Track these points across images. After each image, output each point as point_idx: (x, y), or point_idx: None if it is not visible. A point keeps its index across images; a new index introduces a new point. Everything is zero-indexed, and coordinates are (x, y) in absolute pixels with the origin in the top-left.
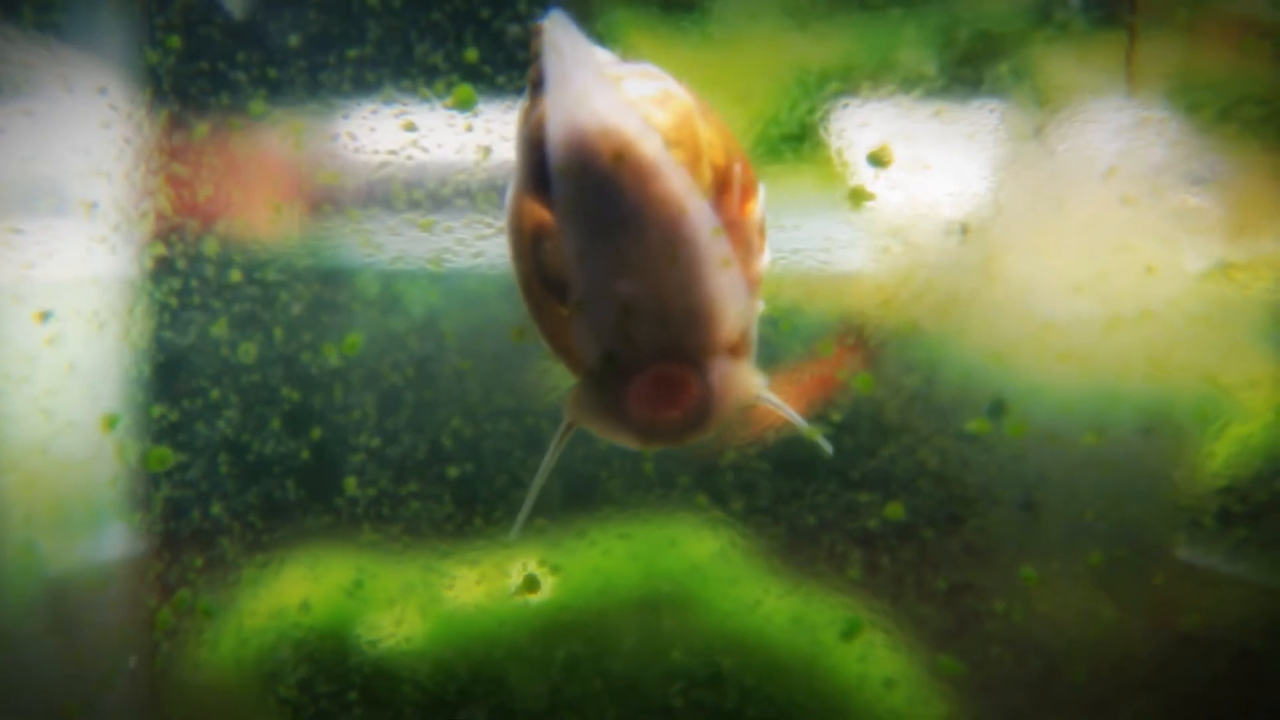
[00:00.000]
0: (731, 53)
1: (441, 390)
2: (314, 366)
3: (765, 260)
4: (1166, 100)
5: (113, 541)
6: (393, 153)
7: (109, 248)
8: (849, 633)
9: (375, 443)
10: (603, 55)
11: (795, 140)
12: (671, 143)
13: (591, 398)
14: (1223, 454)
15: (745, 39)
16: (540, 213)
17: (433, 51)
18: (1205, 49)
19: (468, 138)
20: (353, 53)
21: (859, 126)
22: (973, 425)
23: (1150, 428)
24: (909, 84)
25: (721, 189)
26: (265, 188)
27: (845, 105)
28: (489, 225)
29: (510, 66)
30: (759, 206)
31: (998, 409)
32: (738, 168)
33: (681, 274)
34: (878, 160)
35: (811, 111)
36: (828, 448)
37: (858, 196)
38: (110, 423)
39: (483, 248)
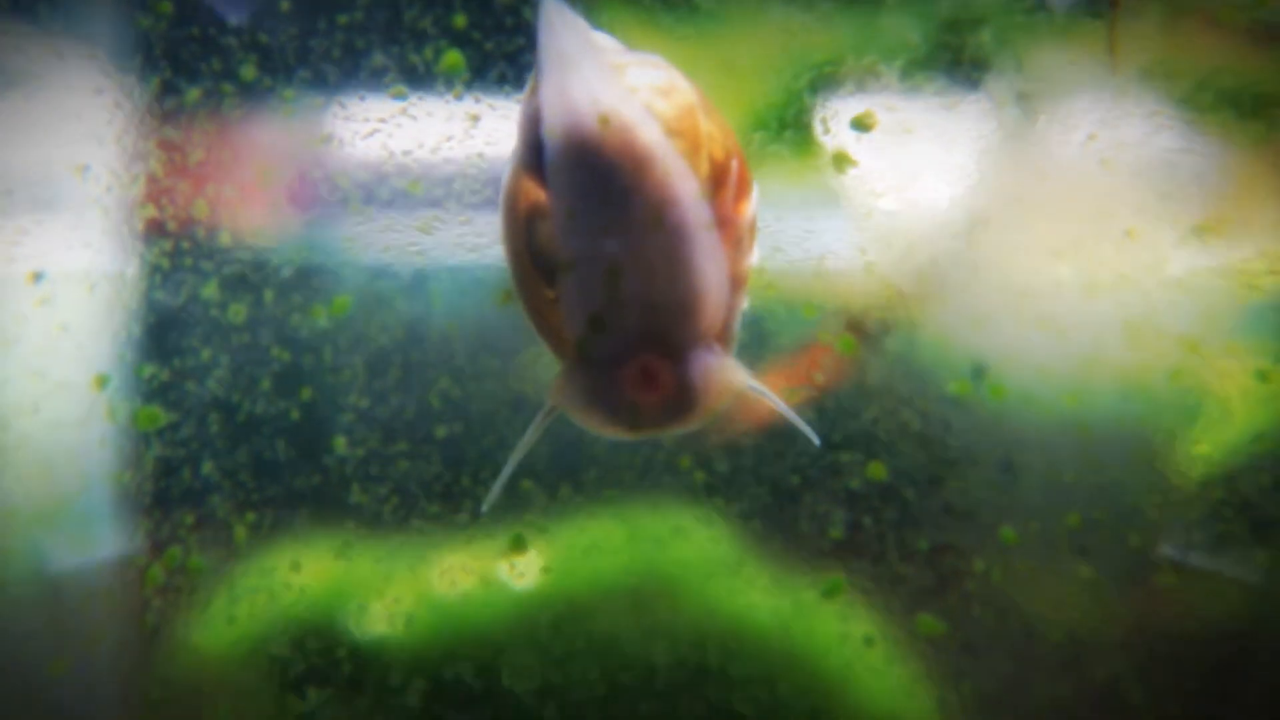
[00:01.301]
0: (723, 42)
1: (429, 351)
2: (303, 328)
3: (754, 259)
4: (1145, 75)
5: (103, 501)
6: (382, 120)
7: (101, 209)
8: (830, 592)
9: (364, 403)
10: (607, 42)
11: (784, 121)
12: (672, 132)
13: (575, 383)
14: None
15: (737, 28)
16: (536, 193)
17: (421, 17)
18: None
19: (457, 106)
20: (343, 19)
21: (845, 96)
22: (954, 387)
23: (1127, 393)
24: (892, 56)
25: (717, 184)
26: (255, 153)
27: (833, 84)
28: (476, 192)
29: (498, 32)
30: (752, 206)
31: (979, 372)
32: (734, 165)
33: (668, 260)
34: (861, 124)
35: (800, 95)
36: (815, 438)
37: (840, 161)
38: (101, 382)
39: (470, 214)
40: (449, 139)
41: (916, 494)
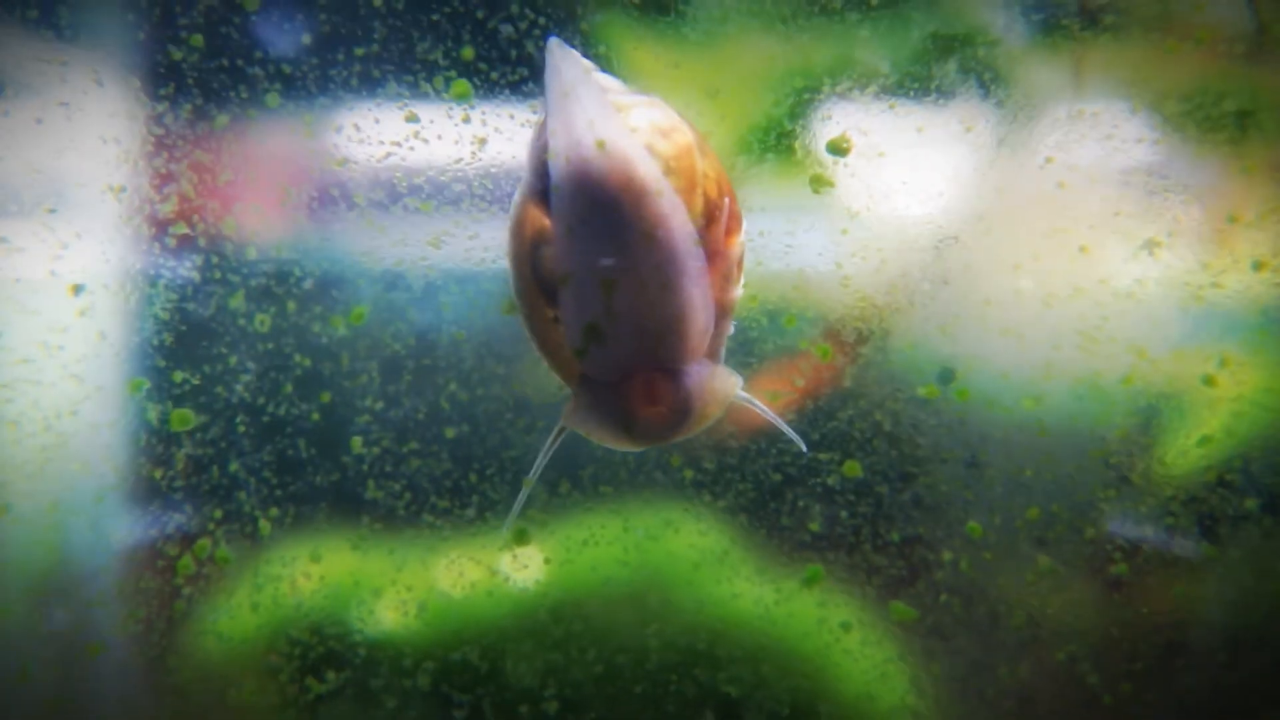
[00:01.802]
0: (708, 54)
1: (439, 358)
2: (323, 336)
3: (739, 291)
4: (1111, 92)
5: (137, 497)
6: (396, 143)
7: (135, 227)
8: (809, 580)
9: (379, 405)
10: (611, 83)
11: (766, 144)
12: (670, 170)
13: (584, 405)
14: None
15: (720, 41)
16: (541, 219)
17: (432, 50)
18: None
19: (465, 129)
20: (360, 50)
21: (822, 121)
22: (923, 390)
23: (1082, 396)
24: (865, 81)
25: (710, 219)
26: (278, 174)
27: (811, 103)
28: (483, 209)
29: (504, 63)
30: (741, 241)
31: (947, 376)
32: (727, 202)
33: (657, 280)
34: (837, 149)
35: (781, 120)
36: (801, 445)
37: (818, 182)
38: (136, 387)
39: (477, 229)
40: (458, 160)
41: (889, 490)
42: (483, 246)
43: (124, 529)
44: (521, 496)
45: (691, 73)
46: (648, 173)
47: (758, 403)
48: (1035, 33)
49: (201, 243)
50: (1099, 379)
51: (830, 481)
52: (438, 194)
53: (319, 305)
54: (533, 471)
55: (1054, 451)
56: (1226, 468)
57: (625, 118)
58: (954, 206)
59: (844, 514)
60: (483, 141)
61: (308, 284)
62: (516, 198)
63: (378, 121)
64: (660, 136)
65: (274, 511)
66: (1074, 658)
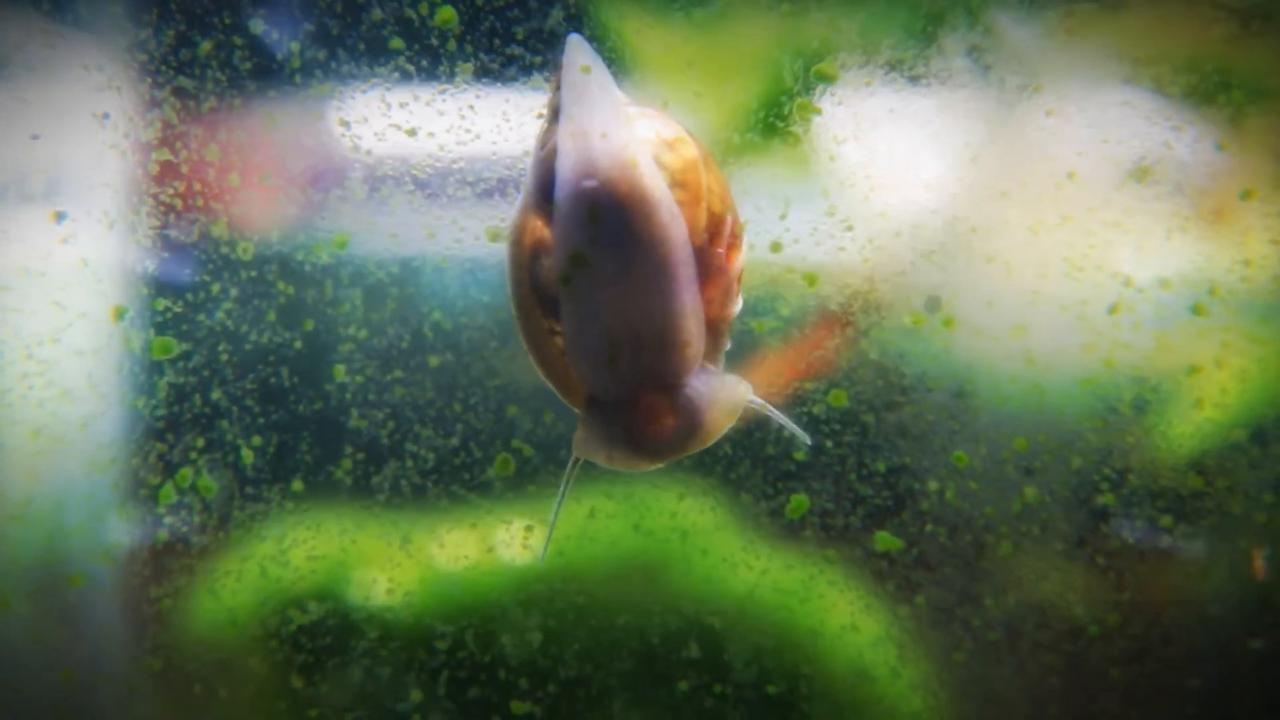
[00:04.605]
0: (715, 37)
1: (423, 285)
2: (306, 263)
3: (738, 307)
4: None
5: (118, 424)
6: (381, 65)
7: (119, 153)
8: (794, 510)
9: (363, 334)
10: (621, 95)
11: (765, 120)
12: (676, 183)
13: (594, 433)
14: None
15: (729, 23)
16: (542, 230)
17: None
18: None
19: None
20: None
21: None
22: (909, 319)
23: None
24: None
25: (714, 234)
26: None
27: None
28: (468, 131)
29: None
30: (741, 259)
31: (934, 304)
32: (730, 218)
33: (650, 290)
34: (823, 76)
35: (779, 98)
36: (807, 440)
37: (804, 109)
38: (119, 314)
39: (462, 153)
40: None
41: (875, 419)
42: (468, 172)
43: (106, 456)
44: (552, 525)
45: (691, 54)
46: (654, 185)
47: (770, 407)
48: None
49: (184, 170)
50: (1086, 308)
51: (816, 411)
52: (422, 119)
53: (302, 233)
54: (557, 503)
55: (1040, 381)
56: (1216, 401)
57: (633, 129)
58: (941, 135)
59: (829, 444)
60: (470, 68)
61: (291, 211)
62: (516, 208)
63: (364, 47)
64: (667, 149)
65: (256, 440)
66: (1060, 588)
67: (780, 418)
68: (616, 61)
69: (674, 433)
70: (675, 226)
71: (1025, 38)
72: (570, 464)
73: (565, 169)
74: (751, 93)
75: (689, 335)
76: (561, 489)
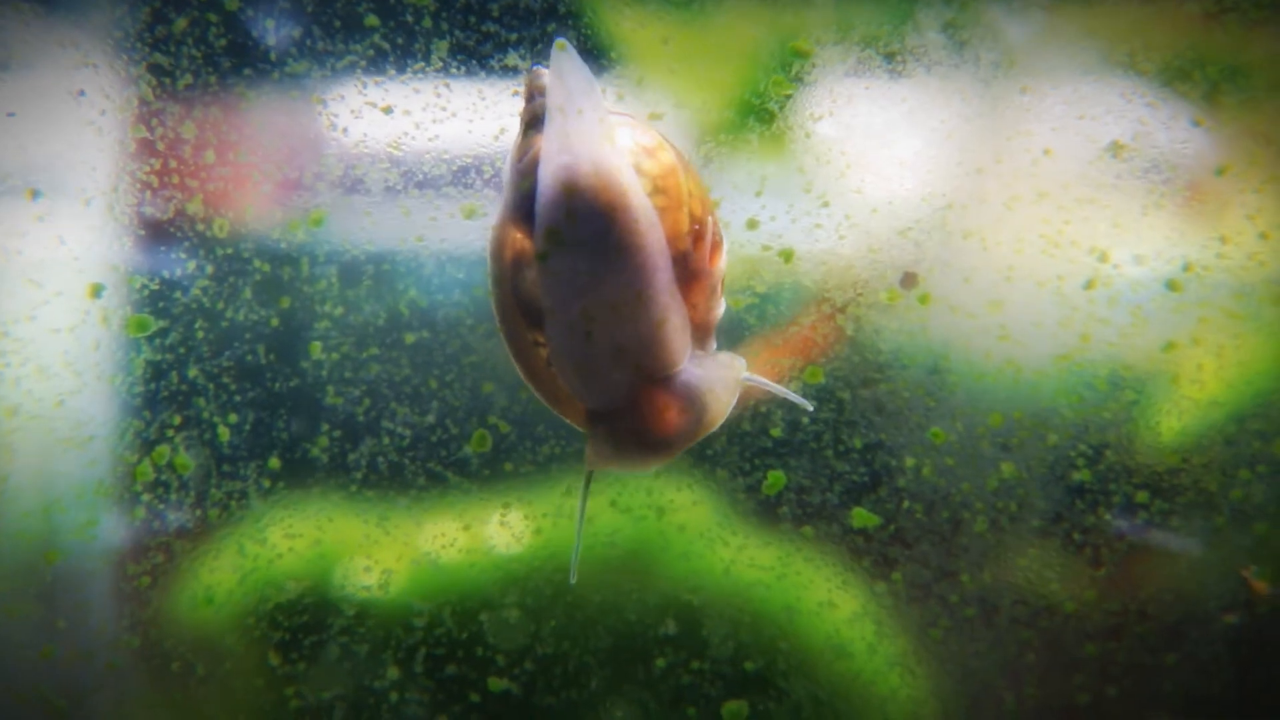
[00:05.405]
0: (690, 13)
1: (399, 263)
2: (282, 241)
3: (721, 309)
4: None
5: (95, 401)
6: (357, 44)
7: (95, 130)
8: (771, 487)
9: (339, 311)
10: (602, 104)
11: (748, 97)
12: (657, 190)
13: (601, 443)
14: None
15: (709, 14)
16: (523, 242)
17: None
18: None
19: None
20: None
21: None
22: (885, 295)
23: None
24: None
25: (697, 237)
26: (238, 79)
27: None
28: (444, 109)
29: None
30: (723, 260)
31: (910, 280)
32: (710, 220)
33: (634, 300)
34: (799, 52)
35: (766, 88)
36: (809, 407)
37: (778, 86)
38: (95, 291)
39: (439, 130)
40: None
41: (851, 396)
42: (442, 149)
43: (83, 433)
44: (576, 547)
45: (666, 31)
46: (634, 193)
47: (765, 380)
48: None
49: (160, 146)
50: (1062, 284)
51: (791, 387)
52: (398, 96)
53: (278, 211)
54: (578, 522)
55: (1016, 357)
56: (1192, 378)
57: (615, 140)
58: (916, 112)
59: (805, 419)
60: (447, 46)
61: (267, 189)
62: (496, 219)
63: (340, 24)
64: (646, 156)
65: (233, 417)
66: (1035, 562)
67: (778, 389)
68: (591, 37)
69: (681, 424)
70: (652, 233)
71: (1000, 14)
72: (585, 481)
73: (546, 174)
74: (728, 69)
75: (674, 329)
76: (580, 506)
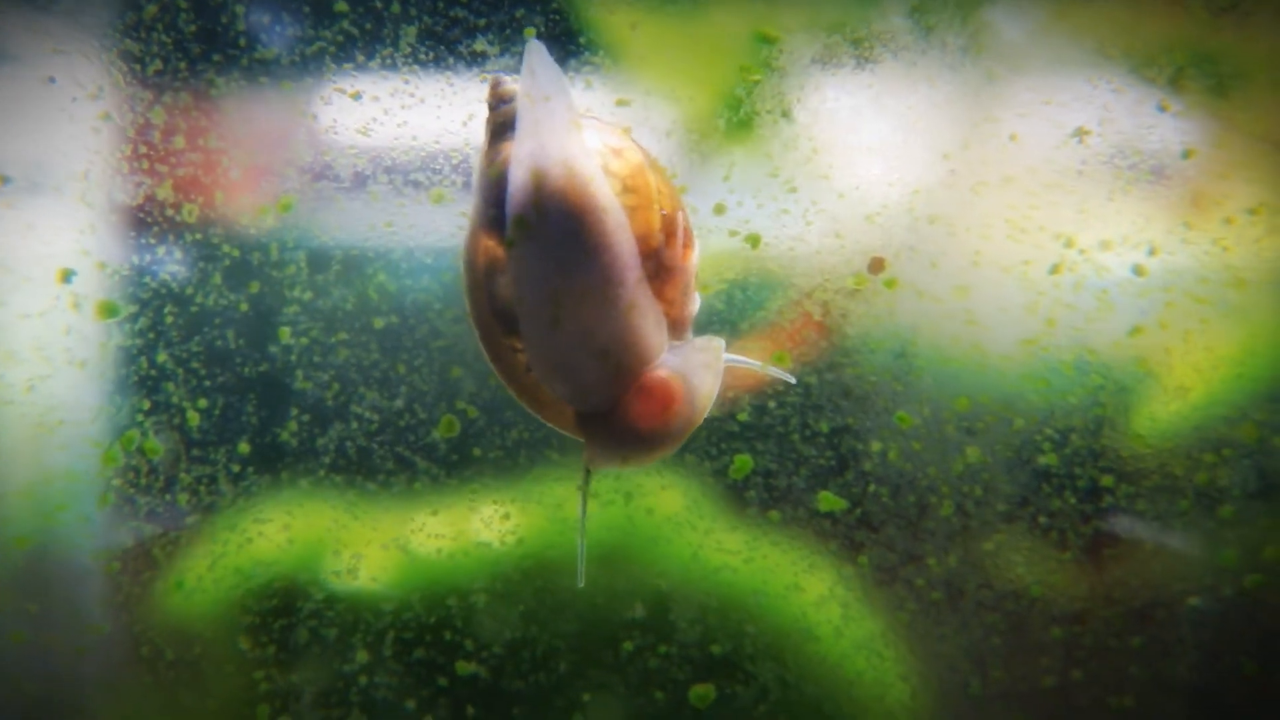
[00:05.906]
0: (671, 13)
1: (367, 248)
2: (251, 226)
3: (696, 304)
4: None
5: (63, 386)
6: (326, 29)
7: (65, 116)
8: (738, 471)
9: (307, 296)
10: (574, 106)
11: (727, 98)
12: (627, 189)
13: (600, 443)
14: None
15: (702, 8)
16: (495, 249)
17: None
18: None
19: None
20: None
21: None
22: (852, 280)
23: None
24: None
25: (669, 234)
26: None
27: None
28: (412, 95)
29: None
30: (696, 256)
31: (877, 265)
32: (680, 217)
33: (605, 302)
34: (766, 38)
35: (751, 85)
36: (791, 380)
37: (746, 72)
38: (64, 276)
39: (407, 117)
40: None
41: (817, 380)
42: (412, 135)
43: (53, 418)
44: (581, 549)
45: (635, 16)
46: (603, 193)
47: (745, 359)
48: None
49: (130, 132)
50: (1028, 268)
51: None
52: (367, 82)
53: (247, 197)
54: (580, 524)
55: (983, 341)
56: (1159, 362)
57: (584, 142)
58: (883, 97)
59: (772, 404)
60: (414, 32)
61: (236, 175)
62: (466, 230)
63: (309, 10)
64: (614, 156)
65: (202, 402)
66: (1001, 547)
67: (759, 366)
68: (559, 23)
69: (676, 412)
70: (622, 234)
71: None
72: (584, 481)
73: (518, 175)
74: (696, 55)
75: (646, 324)
76: (580, 509)
